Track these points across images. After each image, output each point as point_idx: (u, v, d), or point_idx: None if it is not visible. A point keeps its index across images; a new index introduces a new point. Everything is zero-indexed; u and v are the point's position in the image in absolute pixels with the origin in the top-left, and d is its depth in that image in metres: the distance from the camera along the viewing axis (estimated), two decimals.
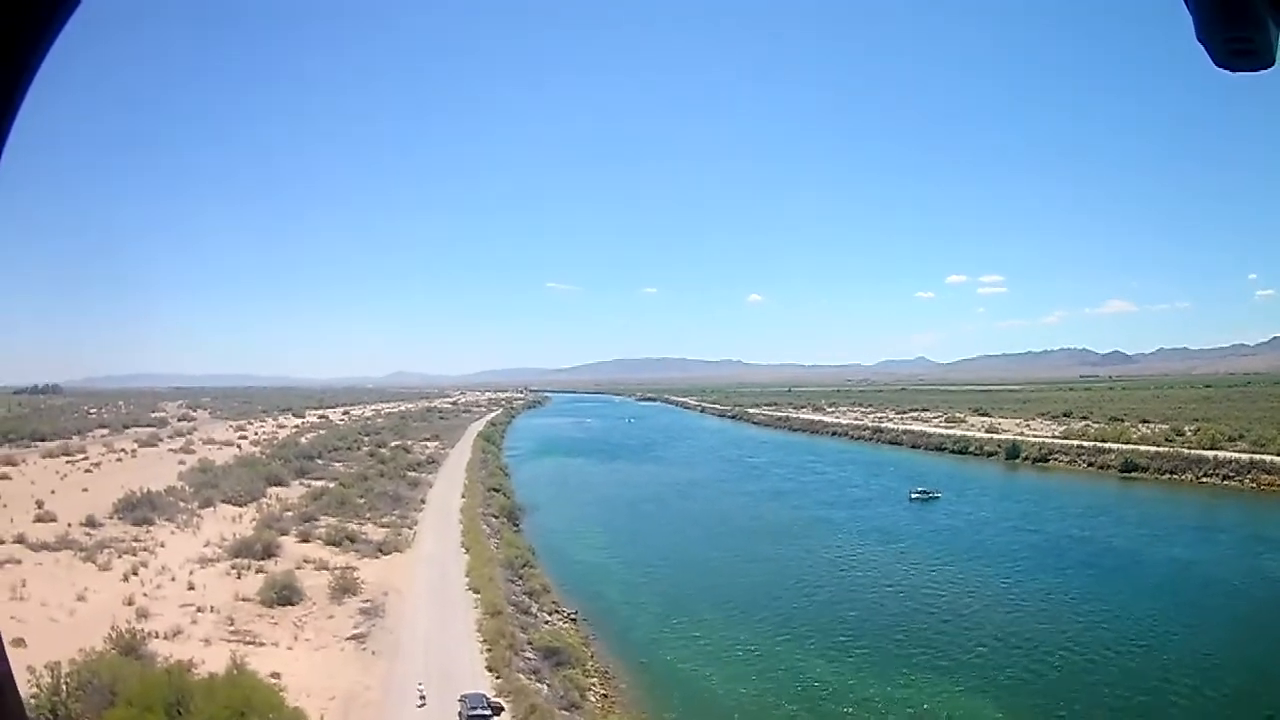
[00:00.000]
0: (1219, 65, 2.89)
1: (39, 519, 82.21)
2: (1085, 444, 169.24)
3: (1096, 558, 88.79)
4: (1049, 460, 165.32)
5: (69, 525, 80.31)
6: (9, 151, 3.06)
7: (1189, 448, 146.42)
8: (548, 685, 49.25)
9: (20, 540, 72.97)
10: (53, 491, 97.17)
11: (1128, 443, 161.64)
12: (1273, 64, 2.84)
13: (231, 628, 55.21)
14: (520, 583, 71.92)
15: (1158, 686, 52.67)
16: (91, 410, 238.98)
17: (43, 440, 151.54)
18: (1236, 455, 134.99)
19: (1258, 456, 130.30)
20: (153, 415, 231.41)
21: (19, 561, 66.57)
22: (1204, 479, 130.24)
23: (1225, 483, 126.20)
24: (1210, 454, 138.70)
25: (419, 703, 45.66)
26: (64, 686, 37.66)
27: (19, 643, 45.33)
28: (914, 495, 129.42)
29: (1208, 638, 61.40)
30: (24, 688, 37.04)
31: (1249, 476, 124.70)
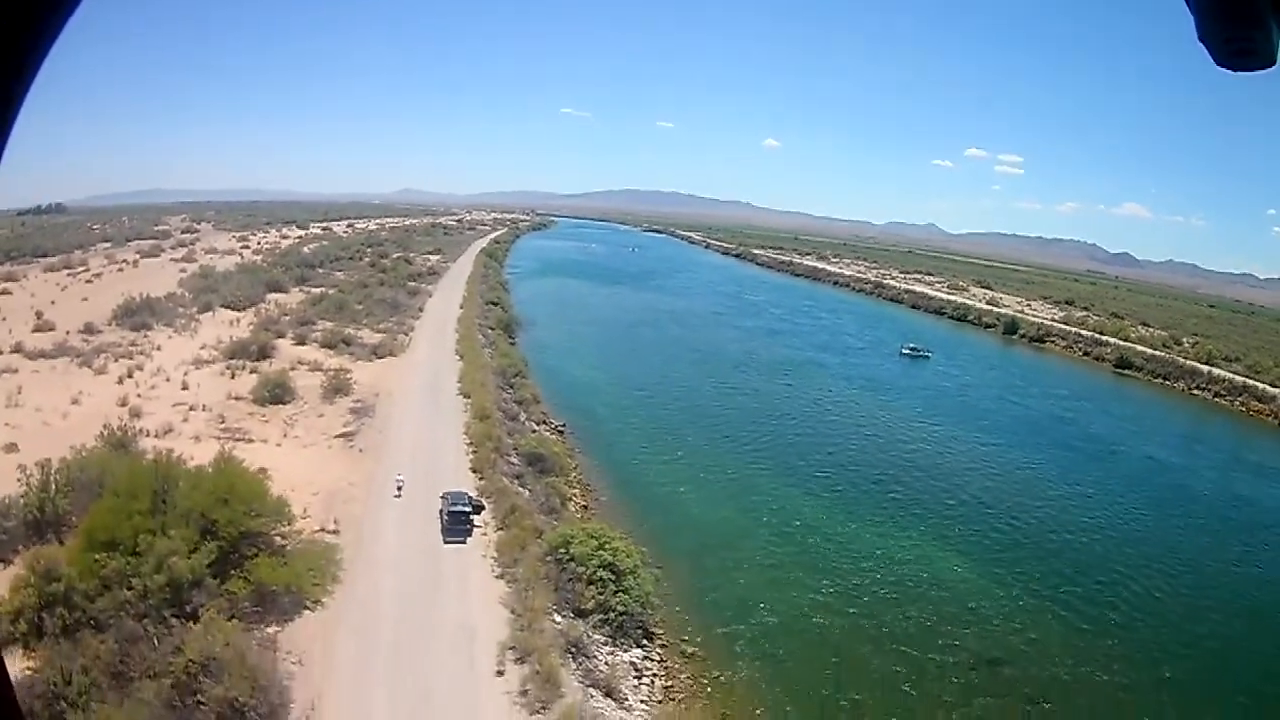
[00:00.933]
0: (1220, 65, 2.89)
1: (37, 329, 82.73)
2: (1083, 332, 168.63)
3: (1075, 440, 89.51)
4: (1045, 341, 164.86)
5: (67, 333, 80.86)
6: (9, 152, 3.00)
7: (1185, 358, 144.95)
8: (529, 490, 50.76)
9: (18, 349, 73.72)
10: (52, 302, 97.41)
11: (1125, 339, 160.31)
12: (1274, 64, 2.84)
13: (222, 425, 56.66)
14: (511, 391, 73.40)
15: (1104, 565, 53.98)
16: (95, 226, 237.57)
17: (44, 256, 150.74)
18: (1230, 375, 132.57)
19: (1250, 381, 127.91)
20: (156, 229, 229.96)
21: (15, 370, 66.89)
22: (1195, 391, 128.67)
23: (1215, 399, 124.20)
24: (1205, 368, 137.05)
25: (395, 494, 47.56)
26: (53, 483, 38.79)
27: (11, 448, 46.94)
28: (905, 350, 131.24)
29: (1163, 537, 61.99)
30: (14, 488, 38.61)
31: (1240, 399, 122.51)
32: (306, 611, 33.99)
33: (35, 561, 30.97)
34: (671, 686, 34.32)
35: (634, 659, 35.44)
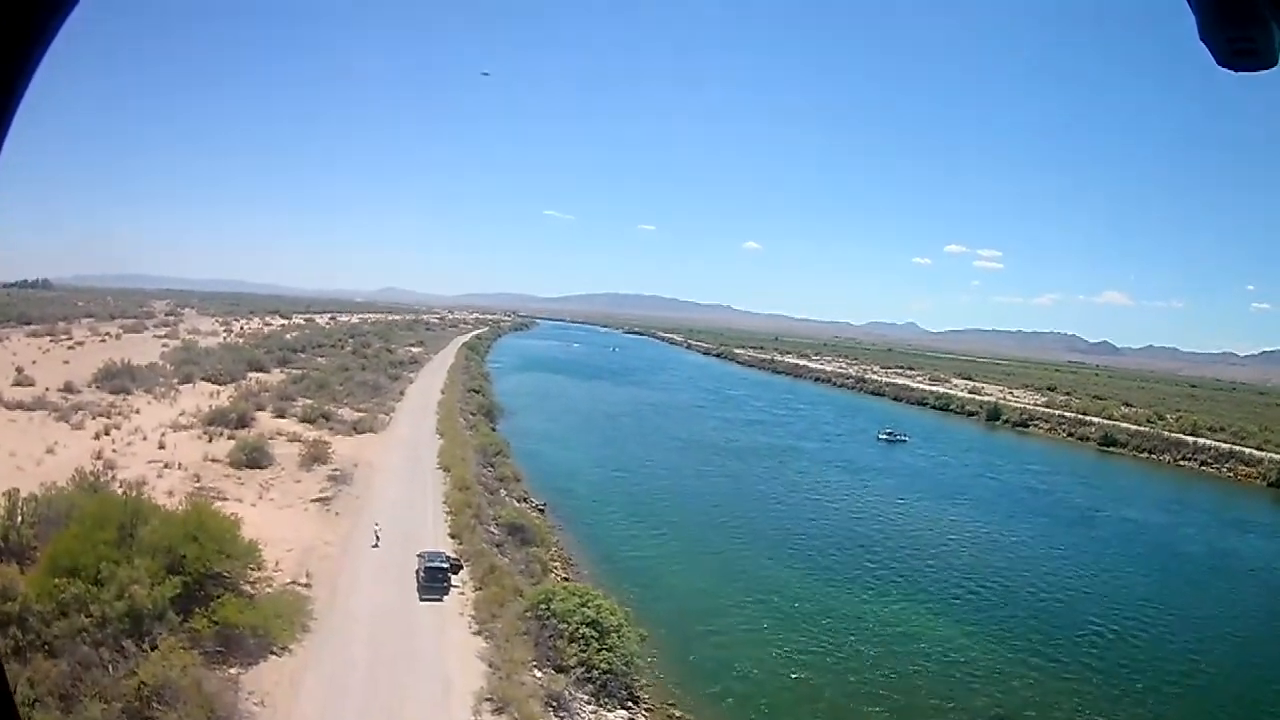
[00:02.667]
0: (1221, 65, 2.87)
1: (17, 384, 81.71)
2: (1067, 414, 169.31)
3: (1053, 509, 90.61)
4: (1029, 426, 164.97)
5: (46, 389, 79.81)
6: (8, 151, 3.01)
7: (1169, 431, 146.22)
8: (509, 558, 49.05)
9: None
10: (33, 362, 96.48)
11: (1109, 418, 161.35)
12: (1275, 64, 2.82)
13: (197, 484, 54.96)
14: (491, 469, 72.09)
15: (1082, 618, 54.51)
16: (80, 302, 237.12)
17: (29, 324, 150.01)
18: (1216, 443, 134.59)
19: (1237, 447, 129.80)
20: (141, 309, 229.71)
21: None
22: (1182, 462, 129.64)
23: (1203, 468, 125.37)
24: (1190, 439, 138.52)
25: (373, 544, 46.29)
26: (20, 513, 37.39)
27: None
28: (882, 436, 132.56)
29: (1142, 589, 62.91)
30: None
31: (1226, 465, 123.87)
32: (273, 656, 32.26)
33: None
34: None
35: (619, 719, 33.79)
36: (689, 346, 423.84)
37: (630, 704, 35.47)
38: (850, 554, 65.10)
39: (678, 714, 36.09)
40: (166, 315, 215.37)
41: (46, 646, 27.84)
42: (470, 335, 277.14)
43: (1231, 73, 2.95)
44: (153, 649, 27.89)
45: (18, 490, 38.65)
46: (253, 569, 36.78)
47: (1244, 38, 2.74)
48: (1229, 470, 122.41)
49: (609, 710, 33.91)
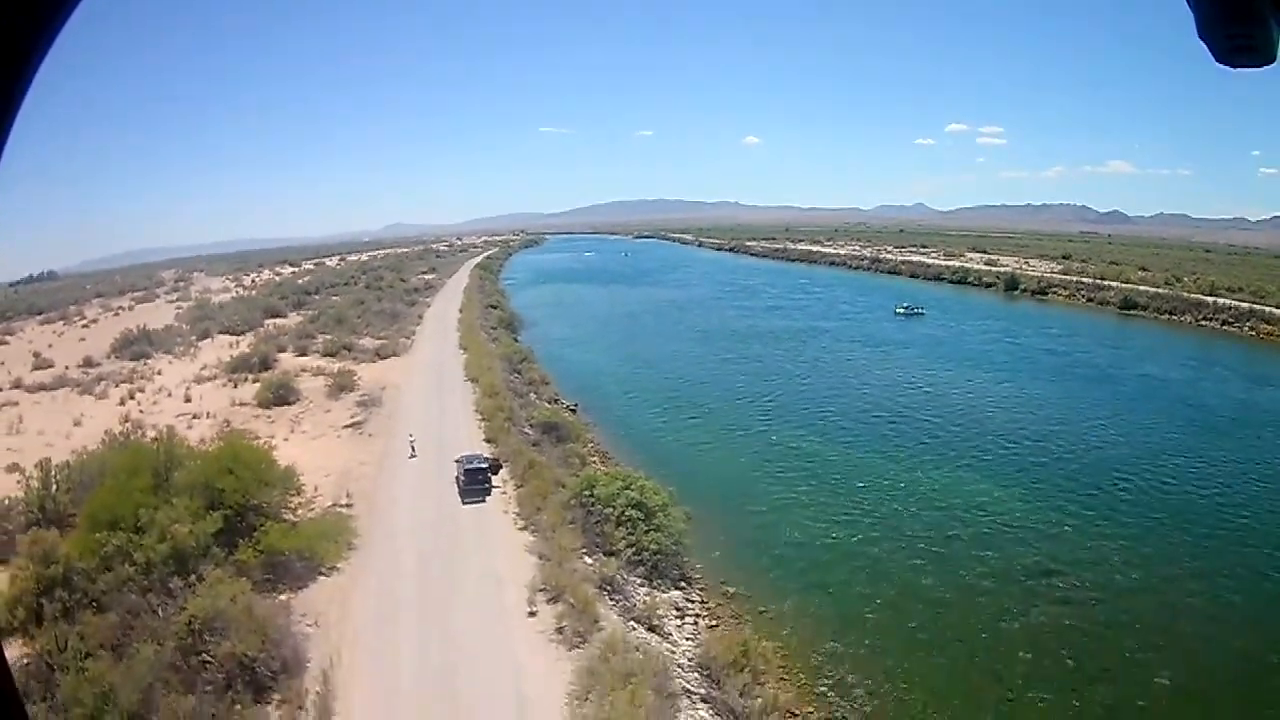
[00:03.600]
0: (1220, 62, 2.83)
1: (36, 368, 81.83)
2: (1084, 280, 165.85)
3: (1074, 368, 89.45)
4: (1047, 293, 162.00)
5: (66, 368, 79.98)
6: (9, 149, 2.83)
7: (1189, 293, 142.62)
8: (546, 456, 48.36)
9: (17, 385, 72.81)
10: (50, 346, 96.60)
11: (1127, 283, 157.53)
12: (1274, 60, 2.77)
13: (228, 428, 54.87)
14: (519, 375, 71.74)
15: (1111, 468, 54.20)
16: (88, 286, 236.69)
17: (40, 313, 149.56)
18: (1236, 302, 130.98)
19: (1257, 306, 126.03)
20: (149, 281, 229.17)
21: (15, 403, 66.06)
22: (1203, 322, 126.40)
23: (1224, 328, 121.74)
24: (1210, 299, 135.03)
25: (410, 454, 46.28)
26: (54, 480, 37.22)
27: (14, 468, 45.16)
28: (899, 310, 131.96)
29: (1169, 440, 62.11)
30: (15, 491, 37.10)
31: (1248, 324, 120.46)
32: (321, 577, 32.16)
33: (32, 545, 29.24)
34: (717, 626, 32.15)
35: (674, 599, 33.50)
36: (700, 244, 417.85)
37: (683, 584, 35.25)
38: (877, 422, 65.10)
39: (730, 590, 35.71)
40: (176, 282, 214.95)
41: (94, 603, 27.65)
42: (481, 257, 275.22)
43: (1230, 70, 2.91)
44: (200, 584, 27.71)
45: (49, 459, 38.59)
46: (292, 495, 36.65)
47: (1242, 34, 2.71)
48: (1250, 329, 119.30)
49: (662, 591, 33.64)
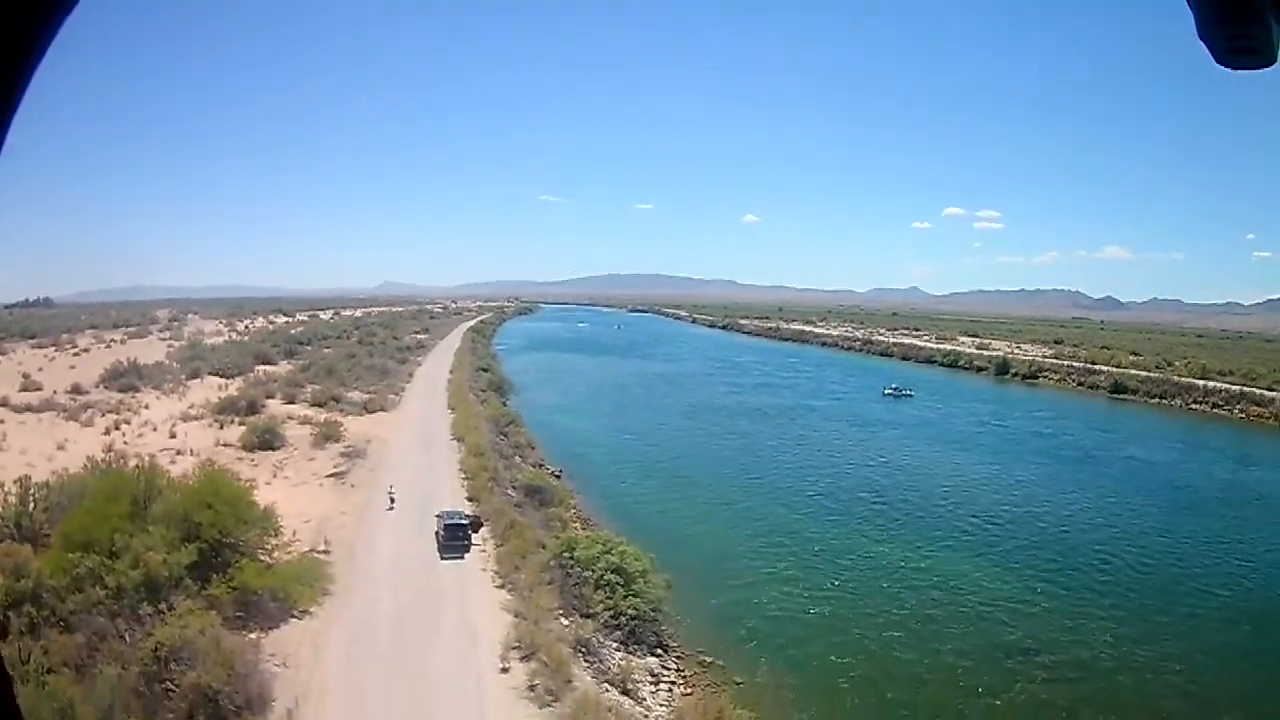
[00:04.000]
0: (1220, 63, 2.82)
1: (24, 389, 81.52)
2: (1075, 364, 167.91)
3: (1059, 450, 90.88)
4: (1038, 378, 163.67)
5: (54, 392, 79.70)
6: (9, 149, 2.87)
7: (1179, 376, 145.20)
8: (528, 519, 48.02)
9: (4, 404, 72.53)
10: (39, 369, 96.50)
11: (1118, 367, 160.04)
12: (1274, 62, 2.77)
13: (211, 466, 54.62)
14: (505, 439, 71.57)
15: (1090, 546, 55.40)
16: (83, 316, 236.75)
17: (32, 338, 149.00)
18: (1226, 385, 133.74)
19: (1248, 389, 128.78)
20: (144, 318, 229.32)
21: (1, 421, 65.83)
22: (1193, 405, 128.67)
23: (1214, 410, 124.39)
24: (1200, 382, 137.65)
25: (388, 506, 46.02)
26: (32, 499, 36.83)
27: None
28: (887, 391, 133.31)
29: (1150, 518, 63.53)
30: None
31: (1238, 406, 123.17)
32: (293, 619, 31.70)
33: (3, 558, 28.85)
34: (692, 694, 31.67)
35: (649, 664, 33.05)
36: (693, 320, 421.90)
37: (660, 650, 34.83)
38: (860, 499, 65.46)
39: (707, 659, 35.30)
40: (170, 321, 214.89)
41: (62, 622, 27.21)
42: (475, 320, 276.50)
43: (1230, 70, 2.88)
44: (170, 614, 27.31)
45: (29, 477, 38.26)
46: (269, 537, 36.11)
47: (1243, 35, 2.70)
48: (1240, 411, 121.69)
49: (638, 656, 33.16)
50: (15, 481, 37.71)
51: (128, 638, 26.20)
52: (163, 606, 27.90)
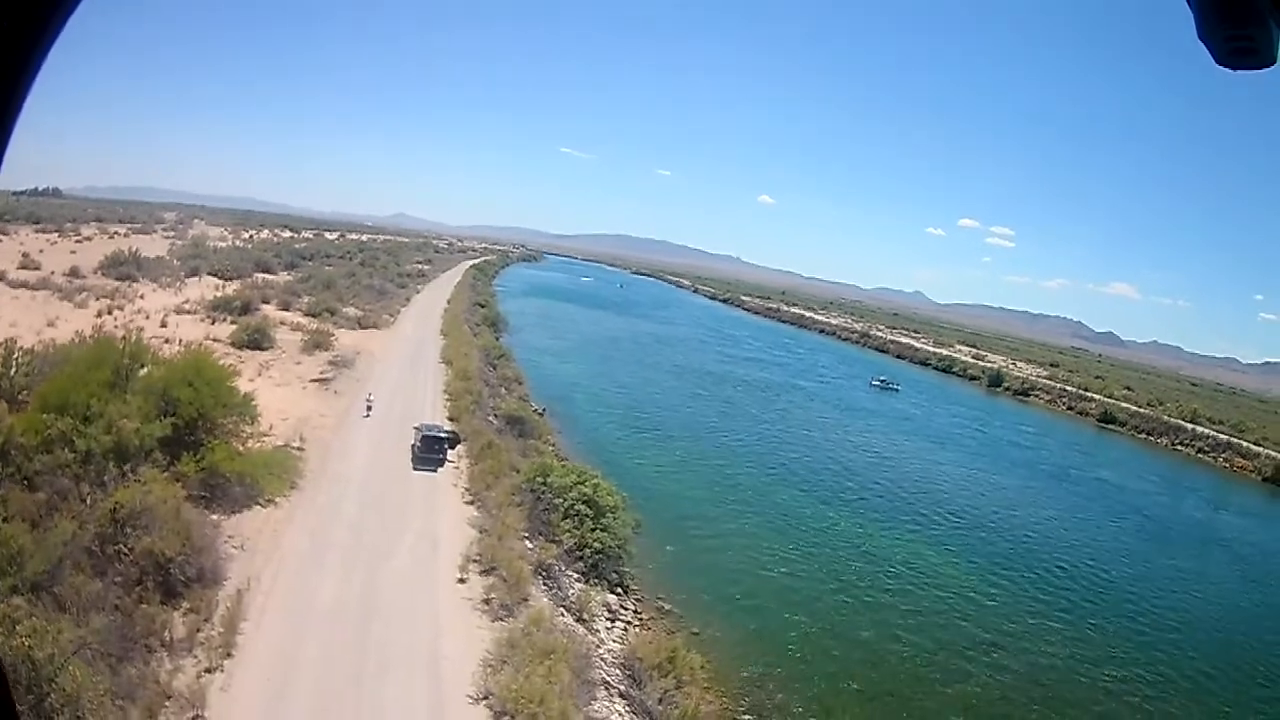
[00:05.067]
0: (1220, 64, 2.80)
1: (22, 267, 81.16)
2: (1069, 388, 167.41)
3: (1034, 463, 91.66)
4: (1029, 395, 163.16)
5: (51, 273, 79.32)
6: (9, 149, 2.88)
7: (1169, 416, 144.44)
8: (506, 446, 48.42)
9: (0, 277, 72.26)
10: (40, 251, 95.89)
11: (1110, 397, 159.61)
12: (1274, 63, 2.76)
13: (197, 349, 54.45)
14: (494, 370, 71.47)
15: (1045, 553, 55.86)
16: (89, 209, 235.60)
17: (37, 223, 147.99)
18: (1214, 432, 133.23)
19: (1235, 440, 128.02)
20: (149, 217, 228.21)
21: None
22: (1179, 447, 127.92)
23: (1198, 455, 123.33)
24: (1189, 425, 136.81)
25: (365, 413, 46.04)
26: (15, 362, 36.47)
27: None
28: (874, 383, 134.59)
29: (1112, 540, 64.12)
30: None
31: (1223, 455, 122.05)
32: (258, 507, 31.50)
33: None
34: (648, 635, 31.59)
35: (608, 601, 32.83)
36: (695, 290, 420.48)
37: (619, 590, 34.55)
38: (833, 476, 66.06)
39: (665, 605, 35.17)
40: (176, 223, 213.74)
41: (26, 480, 26.96)
42: (479, 260, 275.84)
43: (1231, 72, 2.88)
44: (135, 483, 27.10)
45: (14, 340, 37.88)
46: (246, 424, 35.82)
47: (1243, 36, 2.69)
48: (1225, 460, 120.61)
49: (597, 592, 32.90)
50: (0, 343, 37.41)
51: (89, 501, 25.99)
52: (129, 476, 27.68)
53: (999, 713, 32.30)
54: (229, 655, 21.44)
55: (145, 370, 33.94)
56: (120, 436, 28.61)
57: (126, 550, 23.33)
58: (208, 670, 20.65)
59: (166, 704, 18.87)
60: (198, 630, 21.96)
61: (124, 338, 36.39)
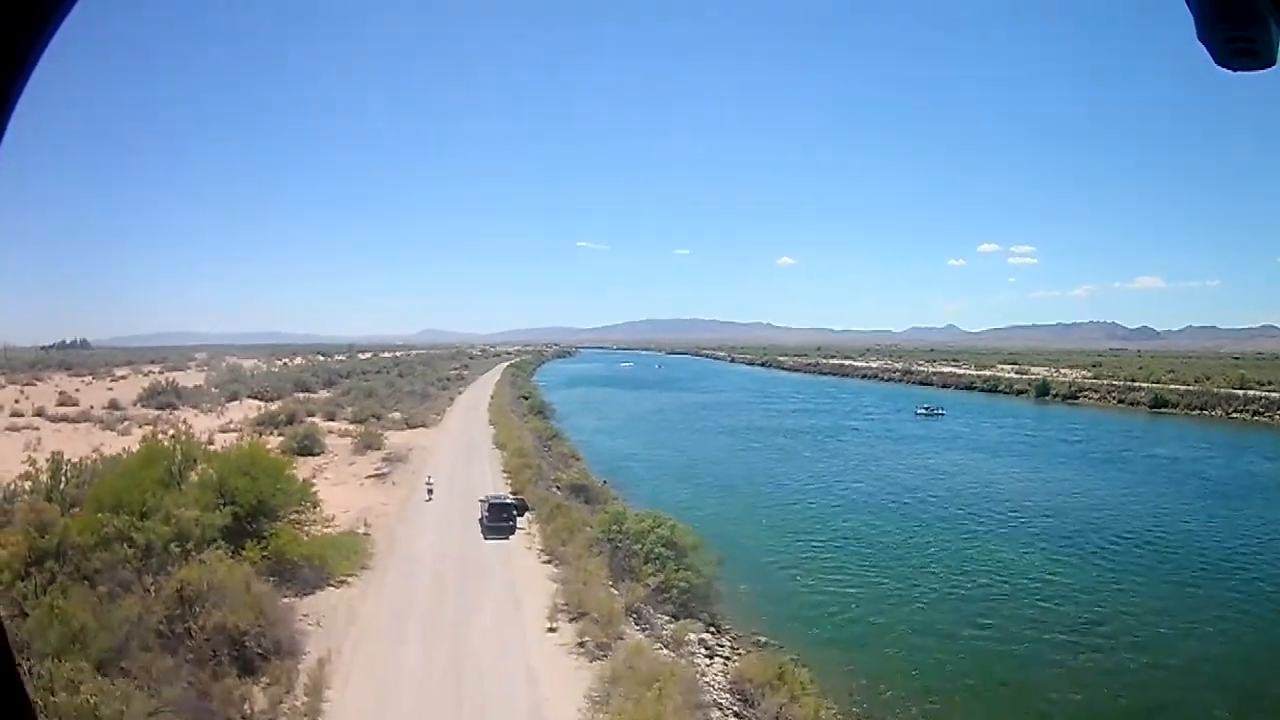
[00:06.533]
0: (1220, 64, 2.79)
1: (60, 404, 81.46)
2: (1116, 383, 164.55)
3: (1086, 454, 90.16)
4: (1078, 397, 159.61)
5: (90, 407, 79.54)
6: (8, 148, 2.84)
7: (1218, 388, 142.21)
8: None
9: (40, 413, 72.30)
10: (77, 390, 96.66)
11: (1157, 383, 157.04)
12: (1274, 63, 2.74)
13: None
14: (548, 450, 70.19)
15: (1119, 534, 54.43)
16: (120, 355, 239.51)
17: (70, 368, 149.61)
18: (1266, 394, 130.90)
19: None
20: (180, 356, 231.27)
21: (37, 428, 65.47)
22: (1234, 415, 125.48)
23: (1255, 418, 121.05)
24: (1240, 392, 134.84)
25: (426, 498, 44.80)
26: (64, 474, 35.61)
27: (27, 475, 43.94)
28: (919, 411, 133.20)
29: (1177, 508, 62.76)
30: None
31: (1279, 413, 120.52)
32: (330, 588, 30.18)
33: (29, 514, 27.48)
34: (750, 659, 29.75)
35: (702, 639, 30.85)
36: (732, 360, 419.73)
37: (713, 628, 32.47)
38: (893, 499, 65.32)
39: (760, 638, 33.19)
40: (207, 361, 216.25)
41: (86, 579, 25.73)
42: (514, 360, 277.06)
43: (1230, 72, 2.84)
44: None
45: (61, 453, 37.15)
46: (307, 511, 34.61)
47: (1243, 37, 2.66)
48: None
49: (691, 632, 31.11)
50: (47, 459, 36.59)
51: (153, 589, 24.70)
52: (192, 556, 26.42)
53: (1099, 677, 31.21)
54: None
55: (199, 467, 32.90)
56: (180, 527, 27.41)
57: (198, 628, 21.94)
58: None
59: None
60: (280, 701, 20.53)
61: (173, 437, 35.27)
